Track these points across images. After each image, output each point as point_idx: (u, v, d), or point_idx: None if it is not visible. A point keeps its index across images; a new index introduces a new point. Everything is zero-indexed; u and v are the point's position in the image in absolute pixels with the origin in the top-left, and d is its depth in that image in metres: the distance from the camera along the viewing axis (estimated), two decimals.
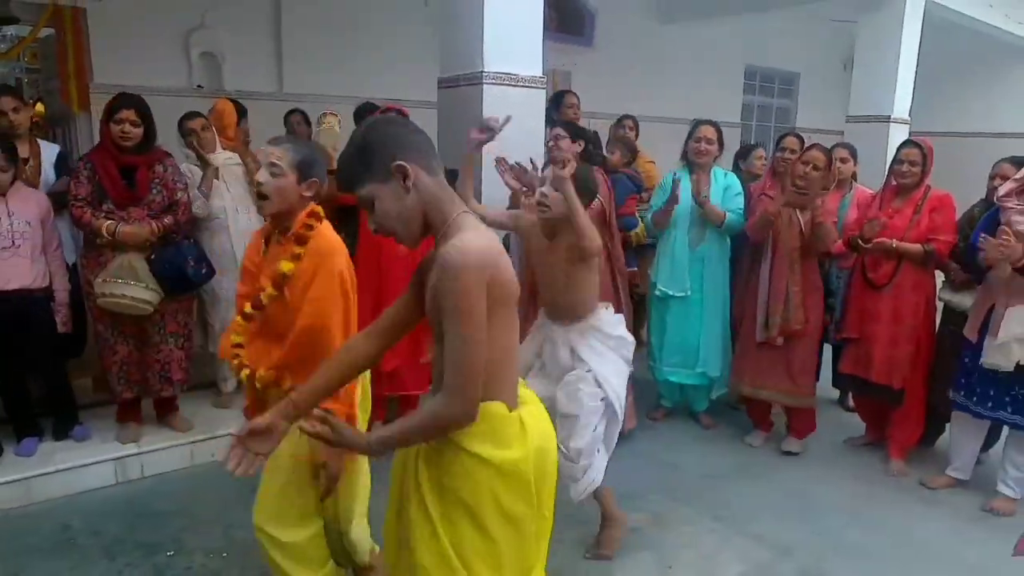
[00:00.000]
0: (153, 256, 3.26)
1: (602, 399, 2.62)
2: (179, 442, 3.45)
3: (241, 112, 4.35)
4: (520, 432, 1.54)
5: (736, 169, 4.72)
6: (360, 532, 2.36)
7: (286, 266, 2.08)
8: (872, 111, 7.35)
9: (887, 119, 7.26)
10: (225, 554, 2.76)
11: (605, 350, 2.68)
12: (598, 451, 2.67)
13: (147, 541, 2.85)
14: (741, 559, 2.85)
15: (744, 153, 4.82)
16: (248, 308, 2.17)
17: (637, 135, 5.45)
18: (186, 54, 6.08)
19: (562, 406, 2.58)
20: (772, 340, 3.65)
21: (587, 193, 2.76)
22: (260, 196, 2.13)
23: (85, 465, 3.22)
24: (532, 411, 1.60)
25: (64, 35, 5.42)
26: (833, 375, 3.99)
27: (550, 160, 3.71)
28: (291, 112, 5.18)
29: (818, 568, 2.82)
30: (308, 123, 5.06)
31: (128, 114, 3.14)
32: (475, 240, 1.43)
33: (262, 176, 2.10)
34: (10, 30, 5.81)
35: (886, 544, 3.00)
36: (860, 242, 3.60)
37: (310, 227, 2.12)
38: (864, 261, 3.69)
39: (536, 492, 1.56)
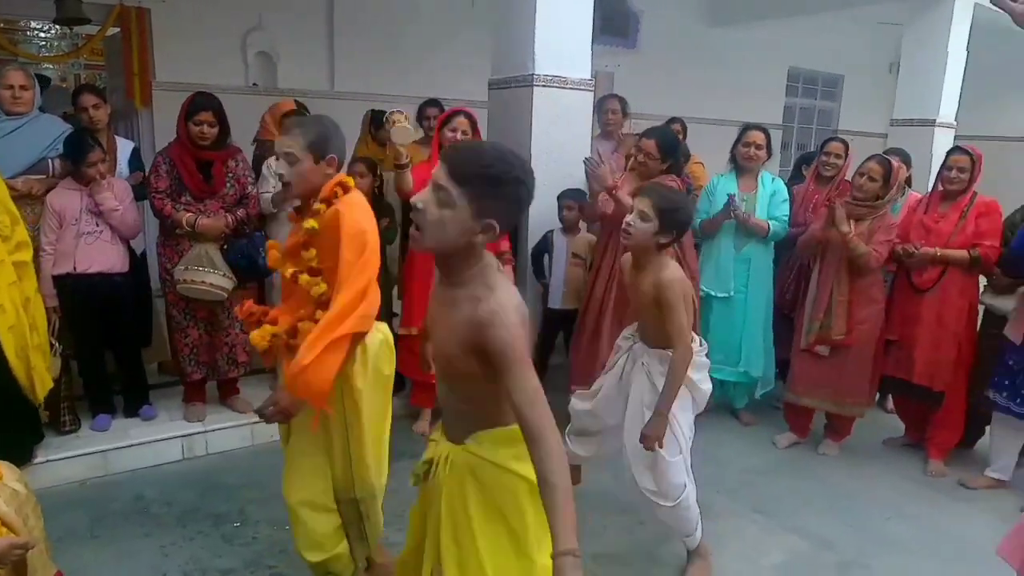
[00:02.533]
0: (226, 246, 3.48)
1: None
2: (241, 422, 3.64)
3: (301, 113, 4.52)
4: None
5: (799, 174, 4.78)
6: (376, 510, 2.43)
7: (310, 223, 2.12)
8: (917, 114, 7.31)
9: (932, 123, 7.22)
10: (287, 527, 2.91)
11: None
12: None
13: (215, 512, 3.04)
14: (783, 550, 2.94)
15: (809, 158, 4.84)
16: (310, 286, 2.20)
17: (685, 137, 5.53)
18: (243, 54, 6.32)
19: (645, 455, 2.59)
20: (811, 348, 3.70)
21: (679, 226, 2.57)
22: (284, 185, 2.21)
23: (156, 441, 3.43)
24: None
25: (129, 34, 5.68)
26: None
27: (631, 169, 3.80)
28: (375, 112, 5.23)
29: (858, 560, 2.90)
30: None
31: (206, 115, 3.34)
32: (510, 297, 1.50)
33: (281, 167, 2.17)
34: (76, 29, 6.08)
35: (926, 539, 3.07)
36: (903, 255, 3.64)
37: (336, 194, 2.14)
38: (908, 265, 3.74)
39: None
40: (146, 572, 2.62)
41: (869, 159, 3.63)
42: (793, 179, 4.69)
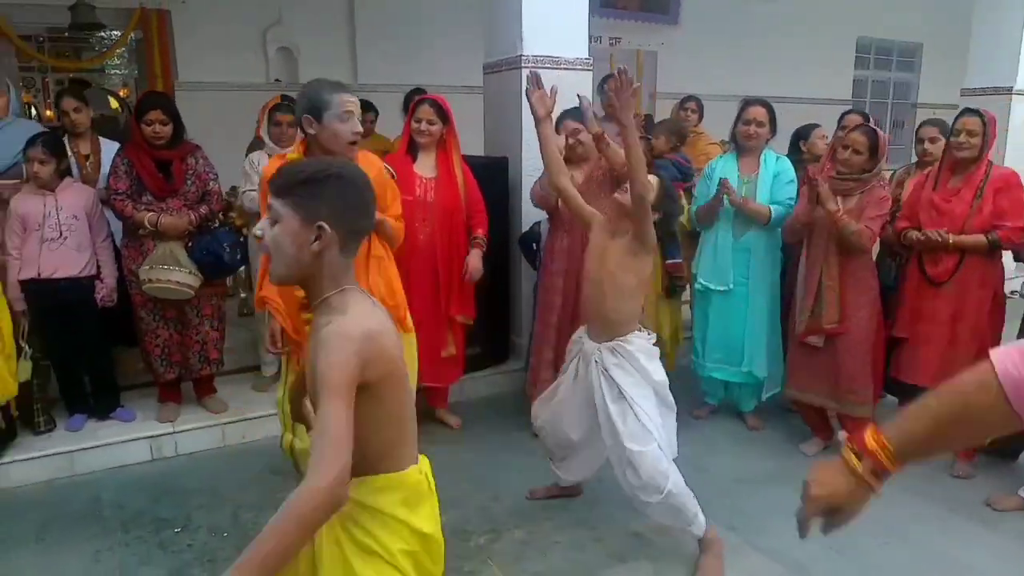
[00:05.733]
0: (191, 244, 3.45)
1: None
2: (212, 423, 3.61)
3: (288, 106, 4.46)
4: (430, 493, 1.55)
5: (796, 150, 4.36)
6: None
7: None
8: (992, 83, 6.60)
9: (1009, 91, 6.50)
10: (226, 534, 2.86)
11: (634, 373, 2.60)
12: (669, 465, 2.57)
13: (162, 516, 3.00)
14: (745, 574, 2.64)
15: (805, 132, 4.42)
16: None
17: (701, 118, 5.18)
18: (264, 50, 6.37)
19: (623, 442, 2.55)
20: (803, 339, 3.35)
21: (666, 202, 2.64)
22: None
23: (123, 442, 3.44)
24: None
25: (151, 36, 5.80)
26: (885, 378, 3.63)
27: (568, 155, 3.57)
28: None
29: None
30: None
31: (156, 114, 3.31)
32: (358, 321, 1.38)
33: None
34: (105, 32, 6.30)
35: (921, 569, 2.69)
36: (906, 238, 3.24)
37: None
38: (921, 254, 3.31)
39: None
40: None
41: (852, 129, 3.25)
42: (790, 156, 4.27)
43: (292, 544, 1.20)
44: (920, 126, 3.80)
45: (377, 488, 1.46)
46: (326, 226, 1.38)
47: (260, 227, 1.46)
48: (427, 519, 1.52)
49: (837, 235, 3.20)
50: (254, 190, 3.82)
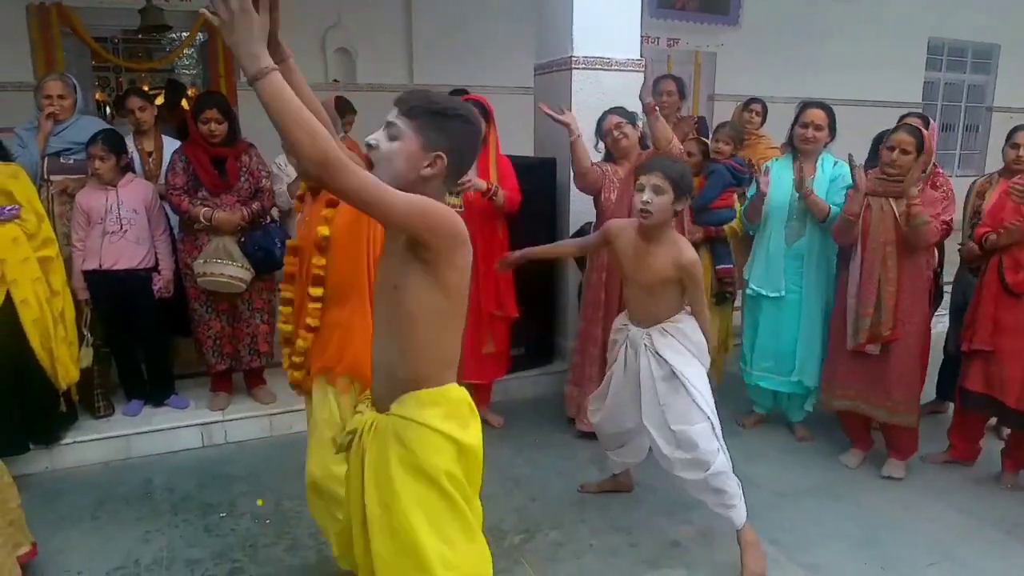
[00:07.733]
0: (243, 239, 3.55)
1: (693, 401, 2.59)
2: (259, 413, 3.71)
3: (343, 109, 4.55)
4: (471, 413, 1.63)
5: (875, 155, 4.20)
6: None
7: (323, 231, 2.22)
8: None
9: None
10: (268, 521, 2.94)
11: (684, 351, 2.62)
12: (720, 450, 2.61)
13: (209, 501, 3.10)
14: None
15: (885, 137, 4.24)
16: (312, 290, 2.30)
17: (764, 120, 5.07)
18: (323, 51, 6.50)
19: (674, 425, 2.59)
20: (861, 348, 3.24)
21: (689, 190, 2.61)
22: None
23: (176, 428, 3.57)
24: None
25: (215, 39, 5.99)
26: (953, 387, 3.48)
27: (612, 150, 3.57)
28: None
29: None
30: None
31: (212, 113, 3.41)
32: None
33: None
34: (175, 34, 6.55)
35: None
36: (987, 242, 3.12)
37: None
38: (1001, 260, 3.17)
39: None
40: (119, 556, 2.70)
41: (895, 130, 3.19)
42: (870, 161, 4.12)
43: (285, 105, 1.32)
44: (1014, 130, 3.61)
45: (422, 402, 1.56)
46: (444, 157, 1.52)
47: (374, 137, 1.55)
48: (474, 436, 1.60)
49: (903, 231, 3.10)
50: (282, 187, 3.95)
